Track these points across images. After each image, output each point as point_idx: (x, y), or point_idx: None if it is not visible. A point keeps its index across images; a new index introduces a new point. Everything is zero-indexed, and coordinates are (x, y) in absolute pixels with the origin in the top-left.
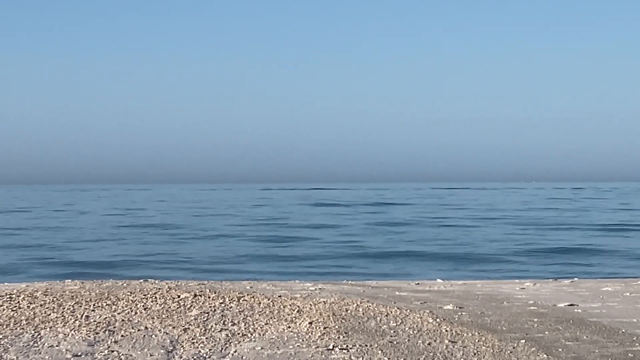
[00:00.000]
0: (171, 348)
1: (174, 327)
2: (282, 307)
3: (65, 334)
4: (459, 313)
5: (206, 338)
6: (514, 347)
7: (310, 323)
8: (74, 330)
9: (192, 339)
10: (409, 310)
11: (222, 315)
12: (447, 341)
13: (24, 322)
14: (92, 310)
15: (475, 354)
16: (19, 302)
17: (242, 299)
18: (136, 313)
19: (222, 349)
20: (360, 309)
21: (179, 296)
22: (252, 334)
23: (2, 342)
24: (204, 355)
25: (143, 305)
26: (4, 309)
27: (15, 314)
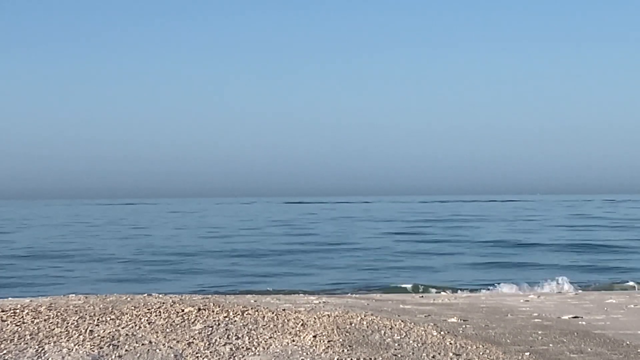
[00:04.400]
0: None
1: (178, 342)
2: (286, 320)
3: (69, 349)
4: (463, 326)
5: (210, 352)
6: None
7: (315, 336)
8: (78, 345)
9: (196, 353)
10: (413, 323)
11: (226, 329)
12: (451, 354)
13: (28, 337)
14: (96, 325)
15: None
16: (22, 316)
17: (246, 312)
18: (140, 327)
19: None
20: (365, 322)
21: (183, 310)
22: (256, 348)
23: (6, 358)
24: None
25: (147, 320)
26: (7, 324)
27: (19, 328)
